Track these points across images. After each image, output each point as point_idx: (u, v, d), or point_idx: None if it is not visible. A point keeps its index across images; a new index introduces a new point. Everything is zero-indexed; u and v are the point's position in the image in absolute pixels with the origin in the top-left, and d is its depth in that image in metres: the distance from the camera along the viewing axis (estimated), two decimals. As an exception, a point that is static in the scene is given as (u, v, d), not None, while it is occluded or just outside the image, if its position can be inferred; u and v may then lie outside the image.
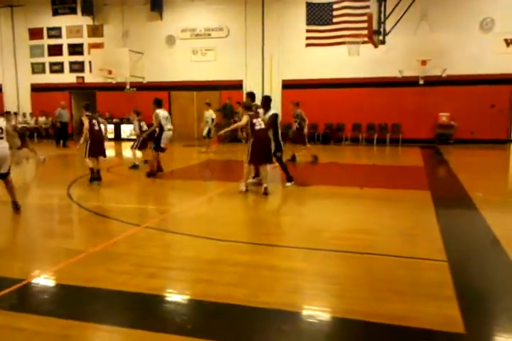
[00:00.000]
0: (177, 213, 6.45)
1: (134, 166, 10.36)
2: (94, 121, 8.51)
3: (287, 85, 17.69)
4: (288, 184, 8.10)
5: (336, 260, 4.35)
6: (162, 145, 9.13)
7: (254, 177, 8.24)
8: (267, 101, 8.07)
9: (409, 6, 10.92)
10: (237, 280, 3.80)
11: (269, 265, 4.16)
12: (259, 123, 7.38)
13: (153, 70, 19.10)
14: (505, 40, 15.44)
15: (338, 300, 3.45)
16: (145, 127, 10.59)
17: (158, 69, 19.05)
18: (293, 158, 11.02)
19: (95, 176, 8.35)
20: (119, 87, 18.75)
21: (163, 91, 19.22)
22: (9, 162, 6.08)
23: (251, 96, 8.41)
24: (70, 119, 17.16)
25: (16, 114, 20.35)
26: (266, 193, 7.28)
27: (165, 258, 4.46)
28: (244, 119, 7.44)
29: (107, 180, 8.60)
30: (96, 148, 8.47)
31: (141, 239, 5.07)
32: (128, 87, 18.76)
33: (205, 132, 14.06)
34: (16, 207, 6.10)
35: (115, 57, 17.79)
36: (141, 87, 19.12)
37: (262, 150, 7.36)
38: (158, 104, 9.25)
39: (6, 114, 14.00)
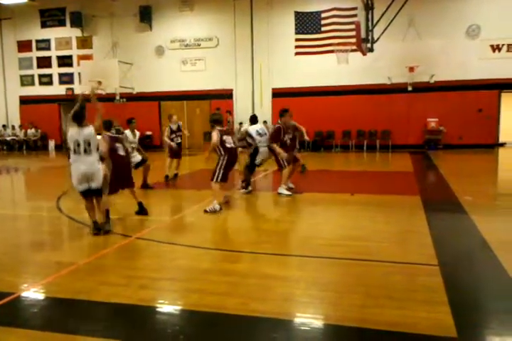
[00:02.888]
0: (169, 223, 6.41)
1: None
2: (118, 145, 6.28)
3: (277, 94, 17.81)
4: (242, 190, 8.23)
5: (330, 267, 4.34)
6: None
7: (245, 188, 8.27)
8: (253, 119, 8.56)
9: (396, 14, 11.09)
10: (230, 289, 3.78)
11: (262, 273, 4.14)
12: (230, 142, 6.91)
13: (143, 81, 19.14)
14: (491, 46, 15.69)
15: (333, 307, 3.43)
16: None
17: (148, 80, 19.10)
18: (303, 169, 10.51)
19: (101, 226, 5.61)
20: (109, 98, 18.74)
21: (154, 102, 19.29)
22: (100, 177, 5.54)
23: (253, 118, 8.60)
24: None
25: (4, 126, 20.26)
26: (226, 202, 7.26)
27: (157, 268, 4.42)
28: (214, 137, 6.77)
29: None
30: (119, 180, 6.23)
31: (133, 250, 5.03)
32: (118, 97, 18.77)
33: None
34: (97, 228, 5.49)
35: (104, 68, 17.83)
36: (131, 97, 19.15)
37: (230, 168, 7.03)
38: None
39: None
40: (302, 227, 6.10)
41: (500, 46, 15.64)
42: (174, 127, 10.05)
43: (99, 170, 5.53)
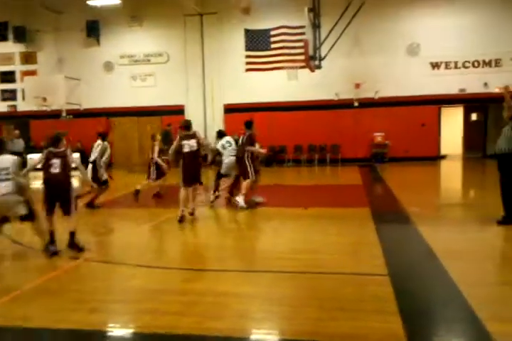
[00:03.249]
0: (119, 243, 6.23)
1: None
2: (54, 161, 5.73)
3: (229, 109, 17.90)
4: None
5: (283, 281, 4.36)
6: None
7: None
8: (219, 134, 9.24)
9: (341, 32, 11.50)
10: (184, 308, 3.71)
11: (215, 291, 4.10)
12: (190, 146, 7.10)
13: (91, 97, 18.70)
14: (431, 63, 16.56)
15: (287, 322, 3.44)
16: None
17: (96, 96, 18.68)
18: None
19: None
20: (55, 115, 18.18)
21: (102, 118, 18.85)
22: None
23: (219, 133, 9.17)
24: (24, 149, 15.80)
25: None
26: (192, 214, 7.30)
27: (107, 291, 4.28)
28: (176, 141, 7.27)
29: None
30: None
31: (81, 272, 4.85)
32: (64, 114, 18.23)
33: None
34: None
35: (50, 84, 17.30)
36: (79, 114, 18.65)
37: (189, 173, 7.18)
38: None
39: None
40: (255, 242, 6.11)
41: (439, 64, 16.54)
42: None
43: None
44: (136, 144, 18.47)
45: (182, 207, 7.14)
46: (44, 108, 18.04)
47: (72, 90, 18.55)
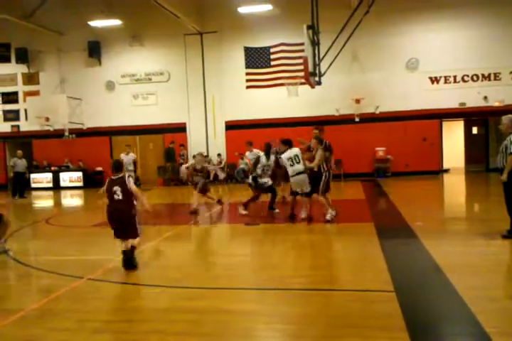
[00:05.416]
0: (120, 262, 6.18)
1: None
2: (116, 188, 5.45)
3: (231, 126, 18.02)
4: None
5: (290, 299, 4.32)
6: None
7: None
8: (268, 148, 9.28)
9: (340, 49, 11.62)
10: (190, 328, 3.66)
11: (221, 309, 4.05)
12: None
13: (93, 116, 18.87)
14: (430, 78, 16.71)
15: (295, 340, 3.40)
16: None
17: (98, 115, 18.85)
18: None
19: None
20: (58, 134, 18.31)
21: (105, 137, 18.98)
22: None
23: (286, 142, 8.43)
24: (26, 169, 15.83)
25: None
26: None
27: (111, 310, 4.24)
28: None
29: (47, 232, 8.19)
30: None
31: (85, 292, 4.80)
32: (67, 133, 18.36)
33: None
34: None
35: (52, 104, 17.51)
36: (81, 133, 18.79)
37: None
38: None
39: None
40: (259, 259, 6.06)
41: (438, 78, 16.69)
42: (198, 166, 10.10)
43: None
44: (138, 161, 18.50)
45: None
46: (47, 128, 18.20)
47: (75, 110, 18.74)
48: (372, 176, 16.78)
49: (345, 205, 10.77)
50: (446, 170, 17.48)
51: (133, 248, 5.52)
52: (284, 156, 8.18)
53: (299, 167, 8.00)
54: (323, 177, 8.00)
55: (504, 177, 6.09)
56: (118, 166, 5.73)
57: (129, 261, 5.44)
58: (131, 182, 5.50)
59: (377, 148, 16.83)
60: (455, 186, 15.03)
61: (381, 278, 4.66)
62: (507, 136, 6.21)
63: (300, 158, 8.09)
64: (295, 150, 8.21)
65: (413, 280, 4.75)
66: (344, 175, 16.94)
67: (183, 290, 4.67)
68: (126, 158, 14.83)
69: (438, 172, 16.88)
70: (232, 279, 5.12)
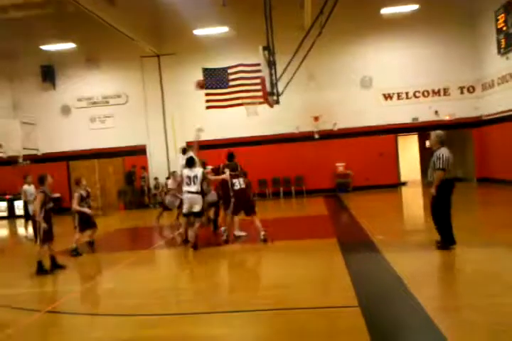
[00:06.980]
0: (83, 291, 5.97)
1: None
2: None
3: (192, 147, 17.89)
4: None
5: (255, 320, 4.26)
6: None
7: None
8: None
9: (296, 69, 11.86)
10: (152, 357, 3.54)
11: (186, 335, 3.96)
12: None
13: (49, 141, 18.39)
14: (384, 95, 17.31)
15: (260, 364, 3.34)
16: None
17: (54, 140, 18.39)
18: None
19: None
20: (11, 161, 17.67)
21: (61, 162, 18.48)
22: None
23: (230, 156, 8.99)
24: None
25: None
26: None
27: (70, 344, 4.05)
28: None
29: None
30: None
31: (42, 325, 4.58)
32: (21, 160, 17.73)
33: None
34: None
35: (5, 130, 16.90)
36: (37, 159, 18.21)
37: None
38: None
39: None
40: (222, 281, 5.99)
41: (391, 95, 17.31)
42: (84, 193, 8.58)
43: None
44: (97, 186, 18.09)
45: None
46: (0, 154, 17.52)
47: (29, 135, 18.17)
48: (334, 191, 17.03)
49: (309, 221, 10.86)
50: (404, 183, 17.97)
51: None
52: (185, 173, 8.17)
53: (193, 188, 8.02)
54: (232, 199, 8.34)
55: (433, 191, 6.54)
56: None
57: None
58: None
59: (338, 164, 17.16)
60: (413, 198, 15.45)
61: (346, 294, 4.68)
62: (435, 151, 6.54)
63: (199, 180, 8.04)
64: (197, 171, 8.16)
65: (377, 295, 4.80)
66: (306, 191, 17.12)
67: (147, 318, 4.54)
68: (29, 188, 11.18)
69: (396, 185, 17.33)
70: (195, 303, 5.01)
